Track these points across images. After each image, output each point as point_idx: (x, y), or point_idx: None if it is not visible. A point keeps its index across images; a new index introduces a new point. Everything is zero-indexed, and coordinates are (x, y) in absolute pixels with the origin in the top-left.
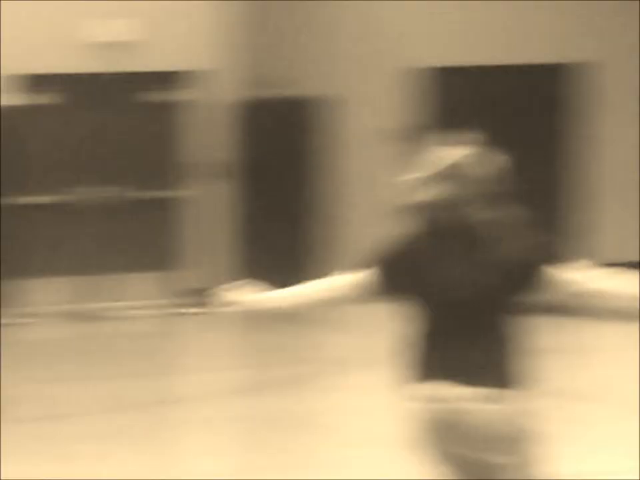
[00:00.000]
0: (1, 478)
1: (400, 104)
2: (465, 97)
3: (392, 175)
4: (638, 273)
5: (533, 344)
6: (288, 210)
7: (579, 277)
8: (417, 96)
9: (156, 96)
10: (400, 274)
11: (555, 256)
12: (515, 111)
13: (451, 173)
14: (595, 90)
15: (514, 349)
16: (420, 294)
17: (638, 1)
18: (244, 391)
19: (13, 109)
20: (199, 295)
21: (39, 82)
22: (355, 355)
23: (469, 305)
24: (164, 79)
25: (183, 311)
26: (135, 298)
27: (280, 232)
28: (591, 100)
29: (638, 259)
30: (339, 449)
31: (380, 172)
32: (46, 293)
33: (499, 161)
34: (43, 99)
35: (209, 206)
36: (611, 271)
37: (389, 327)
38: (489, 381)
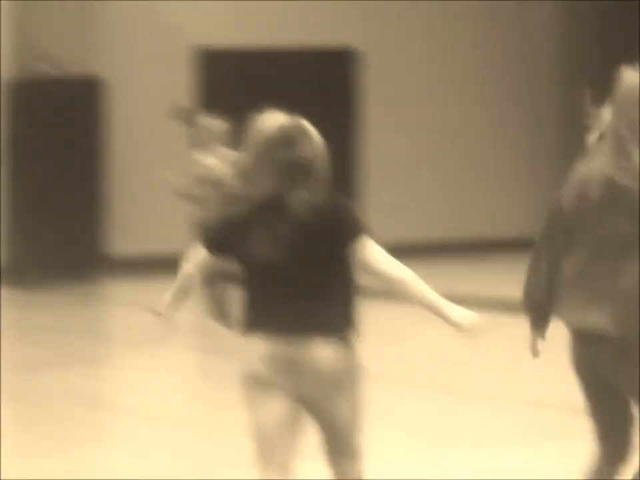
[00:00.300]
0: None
1: (176, 84)
2: (238, 79)
3: (171, 153)
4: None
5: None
6: (59, 191)
7: (371, 254)
8: (193, 77)
9: None
10: (226, 245)
11: (354, 231)
12: (287, 93)
13: (260, 149)
14: (361, 75)
15: (337, 301)
16: (245, 260)
17: None
18: (28, 368)
19: None
20: None
21: None
22: (148, 332)
23: (289, 268)
24: None
25: None
26: None
27: (51, 213)
28: (357, 85)
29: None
30: (135, 426)
31: (157, 150)
32: None
33: (309, 138)
34: None
35: None
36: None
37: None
38: (320, 331)
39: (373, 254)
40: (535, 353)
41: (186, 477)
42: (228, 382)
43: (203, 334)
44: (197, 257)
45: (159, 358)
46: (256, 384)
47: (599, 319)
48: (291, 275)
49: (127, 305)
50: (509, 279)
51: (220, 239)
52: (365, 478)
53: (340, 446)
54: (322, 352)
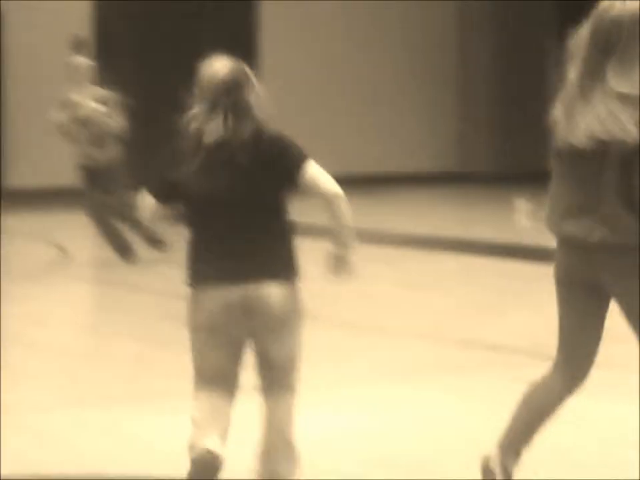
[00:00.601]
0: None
1: (75, 16)
2: (134, 20)
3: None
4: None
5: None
6: None
7: (318, 175)
8: (91, 13)
9: None
10: (174, 191)
11: (301, 157)
12: (185, 33)
13: (210, 93)
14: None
15: (283, 243)
16: (195, 204)
17: None
18: None
19: None
20: None
21: None
22: (46, 265)
23: (238, 208)
24: None
25: None
26: None
27: None
28: (257, 24)
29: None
30: (36, 358)
31: (54, 84)
32: None
33: (251, 81)
34: None
35: None
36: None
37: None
38: (267, 273)
39: (319, 175)
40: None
41: (87, 407)
42: (127, 314)
43: (102, 267)
44: (146, 204)
45: (58, 291)
46: (207, 332)
47: (590, 228)
48: (241, 214)
49: (23, 237)
50: (408, 214)
51: (167, 186)
52: (295, 412)
53: (279, 382)
54: (271, 293)
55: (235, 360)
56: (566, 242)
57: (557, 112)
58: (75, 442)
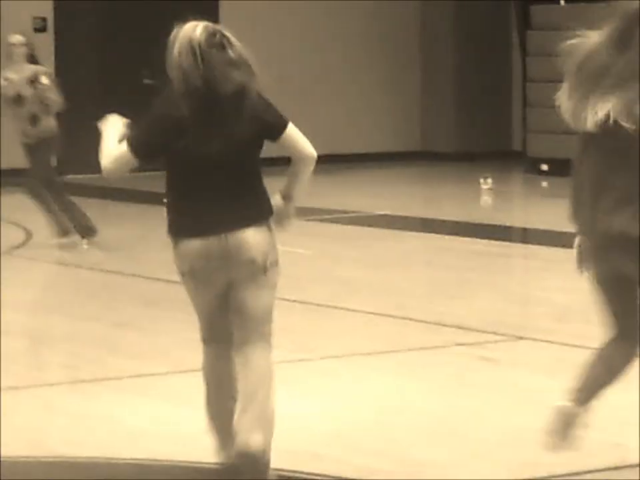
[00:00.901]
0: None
1: None
2: None
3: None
4: None
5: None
6: None
7: (298, 137)
8: None
9: None
10: (160, 146)
11: (283, 120)
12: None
13: (195, 52)
14: None
15: (258, 191)
16: (182, 158)
17: None
18: None
19: None
20: None
21: None
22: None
23: (221, 162)
24: None
25: None
26: None
27: None
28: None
29: None
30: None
31: None
32: None
33: (234, 41)
34: None
35: None
36: None
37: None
38: (244, 221)
39: (298, 136)
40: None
41: (54, 389)
42: (91, 295)
43: (64, 248)
44: (119, 153)
45: (21, 272)
46: (194, 279)
47: (621, 222)
48: (224, 168)
49: None
50: (372, 194)
51: (151, 141)
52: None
53: (255, 332)
54: (248, 239)
55: (226, 310)
56: (613, 237)
57: (571, 102)
58: (42, 424)
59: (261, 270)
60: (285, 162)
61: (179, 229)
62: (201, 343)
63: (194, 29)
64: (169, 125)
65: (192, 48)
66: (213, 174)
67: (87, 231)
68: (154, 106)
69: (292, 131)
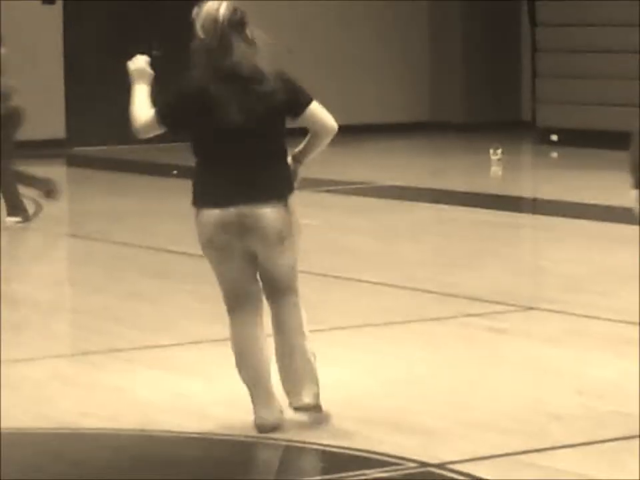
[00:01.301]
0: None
1: None
2: None
3: None
4: None
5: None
6: None
7: (321, 112)
8: None
9: None
10: (191, 111)
11: (307, 96)
12: None
13: (220, 29)
14: None
15: (280, 165)
16: (206, 131)
17: None
18: None
19: None
20: None
21: None
22: None
23: (248, 135)
24: None
25: None
26: None
27: None
28: None
29: None
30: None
31: None
32: None
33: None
34: None
35: None
36: None
37: None
38: (264, 195)
39: (322, 110)
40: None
41: (63, 360)
42: (98, 266)
43: (71, 220)
44: (148, 117)
45: (30, 245)
46: (213, 249)
47: None
48: (249, 141)
49: None
50: (381, 165)
51: (179, 111)
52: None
53: (281, 287)
54: (267, 216)
55: (249, 274)
56: None
57: None
58: (50, 395)
59: (275, 243)
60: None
61: (200, 200)
62: (226, 314)
63: (217, 9)
64: (193, 101)
65: (216, 29)
66: (235, 148)
67: (20, 212)
68: (180, 80)
69: (315, 106)
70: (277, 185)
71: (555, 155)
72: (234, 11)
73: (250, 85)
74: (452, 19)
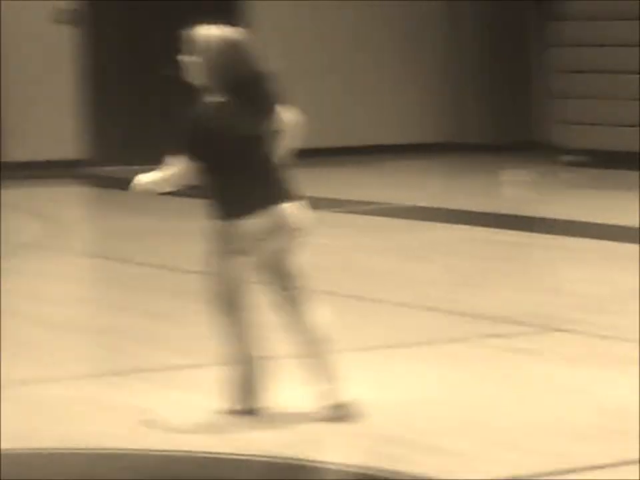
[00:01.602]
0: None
1: None
2: None
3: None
4: None
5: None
6: None
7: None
8: None
9: None
10: (204, 144)
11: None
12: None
13: (221, 53)
14: None
15: (280, 175)
16: (221, 151)
17: None
18: None
19: None
20: None
21: None
22: (40, 238)
23: (254, 144)
24: None
25: None
26: None
27: None
28: None
29: None
30: (36, 332)
31: (47, 56)
32: None
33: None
34: None
35: None
36: None
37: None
38: (282, 196)
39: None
40: None
41: (85, 380)
42: (122, 287)
43: (95, 240)
44: (177, 165)
45: (52, 264)
46: (244, 255)
47: None
48: (257, 149)
49: (21, 211)
50: (400, 185)
51: (197, 141)
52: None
53: (293, 284)
54: (289, 211)
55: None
56: None
57: None
58: (71, 415)
59: (298, 236)
60: (341, 152)
61: (231, 211)
62: (220, 314)
63: (223, 30)
64: (200, 125)
65: (231, 47)
66: (253, 154)
67: None
68: (190, 116)
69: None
70: (285, 185)
71: (570, 175)
72: (233, 34)
73: (259, 96)
74: (470, 40)
